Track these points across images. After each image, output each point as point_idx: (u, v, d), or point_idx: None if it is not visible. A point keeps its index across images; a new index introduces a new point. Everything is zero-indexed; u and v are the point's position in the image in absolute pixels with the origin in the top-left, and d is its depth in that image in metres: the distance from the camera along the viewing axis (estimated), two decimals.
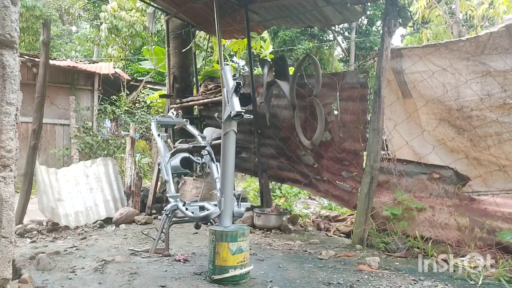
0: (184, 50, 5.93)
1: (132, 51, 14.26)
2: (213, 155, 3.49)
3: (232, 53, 8.82)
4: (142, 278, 2.56)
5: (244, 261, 2.51)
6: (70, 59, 11.78)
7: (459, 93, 3.52)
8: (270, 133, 4.98)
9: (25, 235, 3.80)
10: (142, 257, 3.08)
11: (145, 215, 4.64)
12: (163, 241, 3.18)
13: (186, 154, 3.70)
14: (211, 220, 3.00)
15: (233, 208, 2.74)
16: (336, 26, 16.50)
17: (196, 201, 3.52)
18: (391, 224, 3.52)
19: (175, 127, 5.08)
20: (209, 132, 4.95)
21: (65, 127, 9.45)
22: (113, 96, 10.84)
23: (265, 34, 8.30)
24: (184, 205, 3.06)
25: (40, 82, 4.19)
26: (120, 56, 12.25)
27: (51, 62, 7.98)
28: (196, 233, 4.03)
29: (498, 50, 3.26)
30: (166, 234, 3.17)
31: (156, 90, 11.99)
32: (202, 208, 3.04)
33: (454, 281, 2.62)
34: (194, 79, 6.20)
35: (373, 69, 4.98)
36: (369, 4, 12.14)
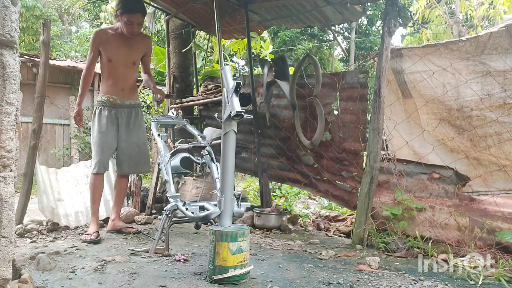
0: (184, 50, 5.93)
1: None
2: (213, 155, 3.49)
3: (232, 53, 8.81)
4: (142, 278, 2.56)
5: (244, 261, 2.51)
6: (70, 59, 11.79)
7: (459, 93, 3.53)
8: (270, 133, 4.98)
9: (25, 235, 3.80)
10: (142, 257, 3.08)
11: (145, 215, 4.64)
12: (163, 241, 3.18)
13: (186, 154, 3.69)
14: (211, 220, 3.00)
15: (233, 208, 2.73)
16: (336, 26, 16.50)
17: (196, 201, 3.52)
18: (391, 224, 3.52)
19: (175, 127, 5.07)
20: (209, 132, 4.94)
21: (65, 127, 9.47)
22: None
23: (265, 34, 8.30)
24: (184, 205, 3.05)
25: (40, 82, 4.19)
26: None
27: (51, 62, 7.99)
28: (196, 233, 4.03)
29: (498, 50, 3.26)
30: (166, 234, 3.17)
31: None
32: (202, 208, 3.03)
33: (454, 281, 2.61)
34: (194, 79, 6.20)
35: (373, 69, 4.98)
36: (369, 4, 12.15)
